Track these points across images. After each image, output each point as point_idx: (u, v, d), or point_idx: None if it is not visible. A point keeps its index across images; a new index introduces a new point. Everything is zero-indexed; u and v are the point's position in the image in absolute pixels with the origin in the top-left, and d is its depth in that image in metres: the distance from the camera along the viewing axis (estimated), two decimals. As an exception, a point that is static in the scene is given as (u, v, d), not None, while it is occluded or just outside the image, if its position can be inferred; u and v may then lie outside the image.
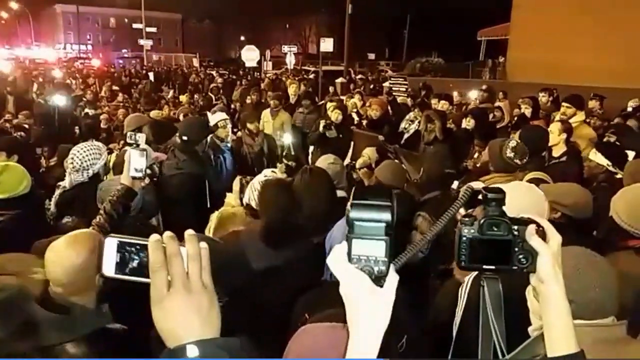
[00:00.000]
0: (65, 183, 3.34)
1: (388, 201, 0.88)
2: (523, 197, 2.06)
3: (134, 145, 3.68)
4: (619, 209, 2.59)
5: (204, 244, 0.90)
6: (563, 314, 1.03)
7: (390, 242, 0.88)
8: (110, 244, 0.92)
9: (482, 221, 1.01)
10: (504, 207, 1.03)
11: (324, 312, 1.83)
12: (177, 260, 0.85)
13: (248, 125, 5.89)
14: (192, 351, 0.81)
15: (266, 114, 7.83)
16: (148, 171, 2.54)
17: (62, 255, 1.79)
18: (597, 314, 1.50)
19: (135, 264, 0.91)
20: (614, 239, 2.60)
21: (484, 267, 1.03)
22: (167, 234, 0.87)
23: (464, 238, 1.02)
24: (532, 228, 1.02)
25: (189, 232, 0.88)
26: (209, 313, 0.88)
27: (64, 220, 2.97)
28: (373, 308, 0.90)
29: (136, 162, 2.49)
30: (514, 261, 1.02)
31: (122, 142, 6.44)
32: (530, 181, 3.35)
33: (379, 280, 0.89)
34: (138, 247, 0.91)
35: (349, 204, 0.89)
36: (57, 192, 3.38)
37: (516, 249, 1.01)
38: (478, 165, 5.00)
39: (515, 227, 1.02)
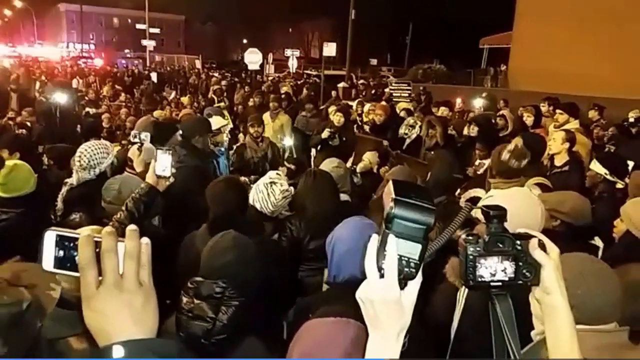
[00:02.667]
0: (73, 180, 3.35)
1: (432, 204, 0.88)
2: (518, 204, 2.08)
3: (139, 144, 3.70)
4: (637, 222, 2.61)
5: (146, 240, 0.86)
6: (567, 324, 1.05)
7: (426, 246, 0.89)
8: (49, 237, 0.87)
9: (487, 238, 1.02)
10: (505, 224, 1.04)
11: (327, 308, 1.85)
12: (109, 256, 0.81)
13: (250, 129, 5.89)
14: (118, 352, 0.77)
15: (266, 116, 7.87)
16: (173, 170, 2.54)
17: None
18: (598, 319, 1.51)
19: (74, 258, 0.86)
20: (635, 254, 2.59)
21: (492, 284, 1.03)
22: (106, 229, 0.84)
23: (471, 257, 1.02)
24: (535, 242, 1.04)
25: (130, 228, 0.85)
26: (142, 313, 0.83)
27: (72, 217, 2.98)
28: (393, 312, 0.91)
29: (162, 161, 2.50)
30: (519, 275, 1.03)
31: (123, 142, 6.45)
32: (532, 186, 3.37)
33: (405, 281, 0.90)
34: (76, 241, 0.85)
35: (392, 198, 0.88)
36: (64, 189, 3.40)
37: (520, 264, 1.03)
38: (479, 172, 5.02)
39: (518, 242, 1.03)
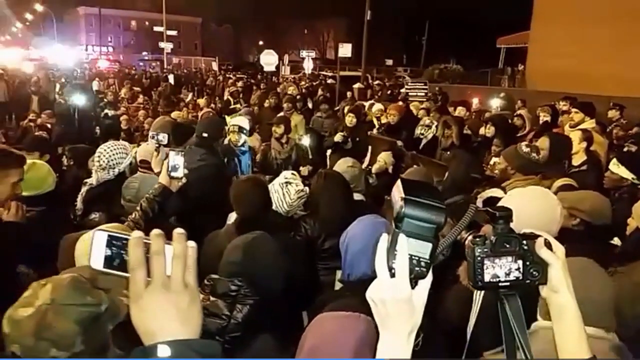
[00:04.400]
0: (92, 180, 3.40)
1: (442, 203, 0.88)
2: (536, 203, 2.07)
3: (157, 146, 3.73)
4: None
5: (192, 243, 0.88)
6: (577, 320, 1.07)
7: (436, 245, 0.89)
8: (100, 237, 0.89)
9: (494, 239, 1.03)
10: (511, 224, 1.05)
11: (337, 302, 1.88)
12: (158, 258, 0.84)
13: (274, 128, 5.88)
14: (164, 351, 0.79)
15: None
16: (185, 171, 2.57)
17: None
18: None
19: (123, 259, 0.88)
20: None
21: (500, 284, 1.03)
22: (155, 231, 0.85)
23: (478, 258, 1.02)
24: (541, 241, 1.05)
25: (177, 231, 0.87)
26: (188, 313, 0.85)
27: (91, 216, 3.03)
28: (405, 312, 0.91)
29: (174, 162, 2.54)
30: (526, 275, 1.03)
31: (142, 143, 6.51)
32: (560, 187, 3.34)
33: (415, 280, 0.91)
34: (125, 242, 0.88)
35: (401, 197, 0.88)
36: (84, 189, 3.45)
37: (527, 263, 1.03)
38: (495, 171, 4.97)
39: (525, 242, 1.04)
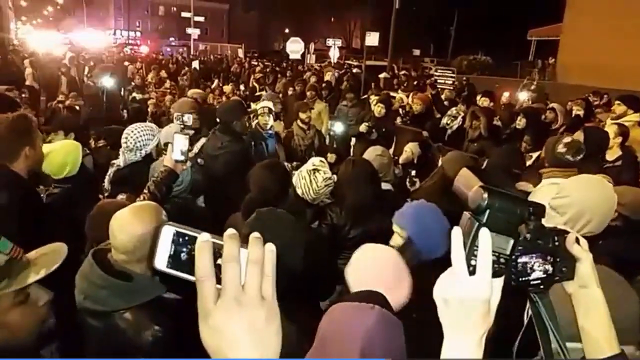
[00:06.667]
0: (120, 162, 3.43)
1: (523, 195, 0.84)
2: (598, 190, 1.99)
3: (182, 127, 3.74)
4: None
5: (271, 247, 0.74)
6: (606, 315, 1.05)
7: (517, 241, 0.86)
8: (167, 233, 0.76)
9: (528, 236, 0.97)
10: (543, 220, 1.00)
11: (355, 293, 1.86)
12: (231, 266, 0.70)
13: (300, 114, 5.82)
14: None
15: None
16: (190, 154, 2.58)
17: (130, 224, 1.85)
18: None
19: (189, 259, 0.75)
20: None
21: (532, 282, 1.00)
22: (229, 232, 0.72)
23: (513, 256, 0.97)
24: (572, 237, 1.02)
25: (254, 235, 0.73)
26: (264, 333, 0.71)
27: (118, 197, 3.05)
28: (482, 314, 0.85)
29: (180, 145, 2.52)
30: (556, 272, 1.01)
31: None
32: None
33: (493, 278, 0.86)
34: (193, 240, 0.74)
35: (482, 187, 0.83)
36: (111, 170, 3.48)
37: (558, 259, 1.01)
38: (527, 164, 4.84)
39: (556, 238, 1.01)
